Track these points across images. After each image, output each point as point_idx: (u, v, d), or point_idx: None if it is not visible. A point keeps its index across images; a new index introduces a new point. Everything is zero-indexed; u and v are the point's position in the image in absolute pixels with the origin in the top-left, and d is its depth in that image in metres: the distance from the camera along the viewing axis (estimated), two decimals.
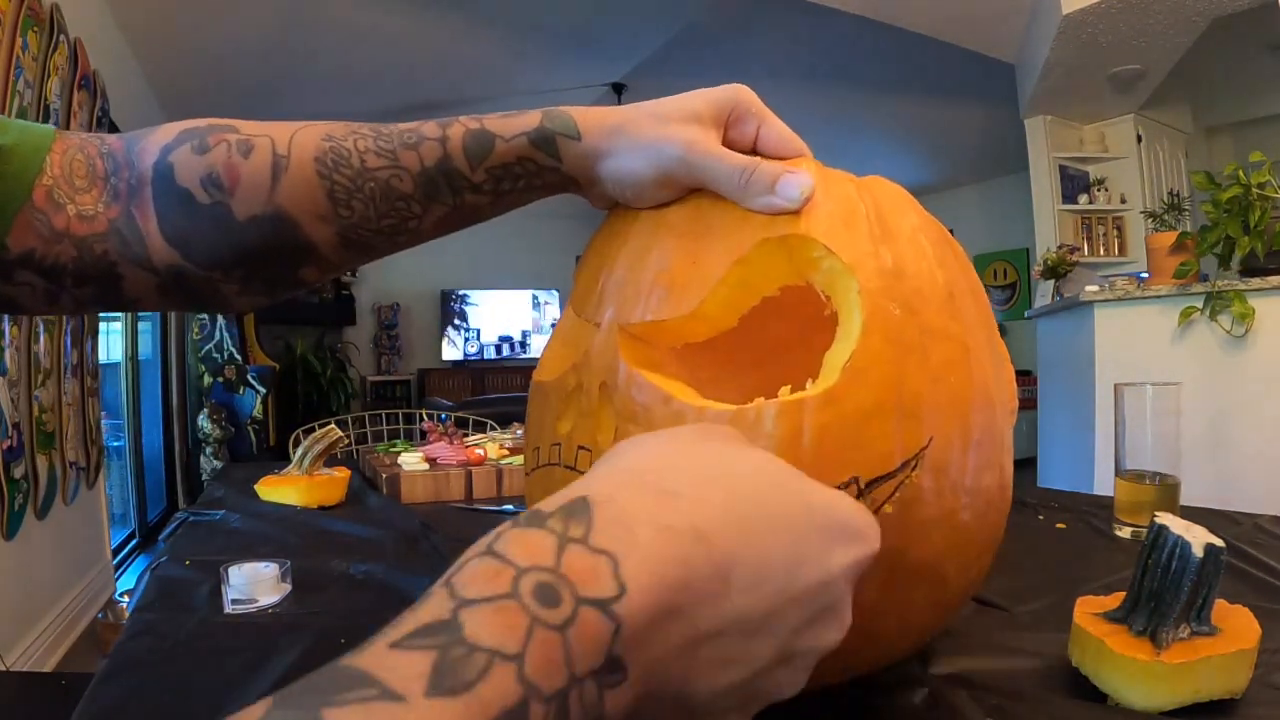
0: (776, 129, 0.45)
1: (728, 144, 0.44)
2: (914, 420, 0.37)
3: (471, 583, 0.18)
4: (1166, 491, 0.77)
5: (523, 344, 7.39)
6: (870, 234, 0.41)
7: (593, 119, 0.44)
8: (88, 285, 0.42)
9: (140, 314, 3.94)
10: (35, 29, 2.09)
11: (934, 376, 0.38)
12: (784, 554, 0.23)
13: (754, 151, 0.45)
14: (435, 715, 0.16)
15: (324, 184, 0.42)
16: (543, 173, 0.44)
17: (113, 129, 3.01)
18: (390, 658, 0.17)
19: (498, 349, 7.30)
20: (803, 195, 0.40)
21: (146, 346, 4.20)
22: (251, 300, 0.46)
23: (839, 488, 0.36)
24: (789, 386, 0.38)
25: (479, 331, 7.24)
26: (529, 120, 0.43)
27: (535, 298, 7.41)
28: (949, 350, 0.39)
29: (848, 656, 0.35)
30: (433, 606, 0.18)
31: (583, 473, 0.41)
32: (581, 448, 0.42)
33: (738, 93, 0.44)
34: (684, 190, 0.43)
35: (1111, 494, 0.82)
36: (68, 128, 2.38)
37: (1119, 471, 0.79)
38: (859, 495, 0.36)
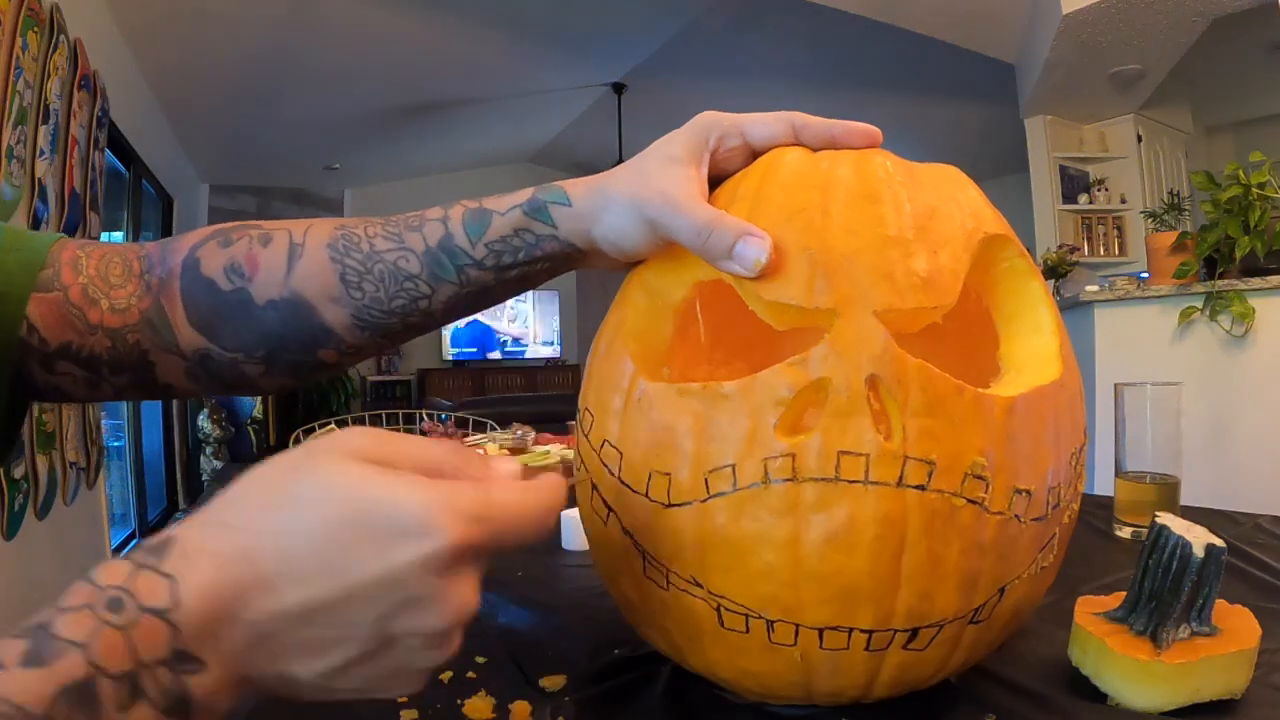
0: (757, 125, 0.45)
1: (722, 165, 0.45)
2: (1082, 404, 0.44)
3: (68, 597, 0.26)
4: (1166, 491, 0.77)
5: (524, 344, 7.39)
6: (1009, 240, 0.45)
7: (580, 185, 0.46)
8: (124, 373, 0.47)
9: None
10: (35, 29, 2.09)
11: (1077, 368, 0.45)
12: (322, 558, 0.27)
13: (755, 157, 0.45)
14: (21, 678, 0.23)
15: (336, 267, 0.46)
16: (540, 242, 0.46)
17: (113, 129, 3.01)
18: (2, 643, 0.24)
19: (499, 349, 7.31)
20: (757, 265, 0.38)
21: None
22: (276, 382, 0.50)
23: (1070, 459, 0.41)
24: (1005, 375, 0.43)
25: (480, 331, 7.24)
26: (523, 194, 0.46)
27: (536, 297, 7.42)
28: (1069, 347, 0.45)
29: (995, 634, 0.41)
30: (41, 614, 0.25)
31: (850, 482, 0.36)
32: (845, 453, 0.36)
33: (706, 119, 0.45)
34: (672, 242, 0.42)
35: (1111, 494, 0.81)
36: (68, 128, 2.38)
37: (1119, 471, 0.79)
38: (1073, 463, 0.41)
